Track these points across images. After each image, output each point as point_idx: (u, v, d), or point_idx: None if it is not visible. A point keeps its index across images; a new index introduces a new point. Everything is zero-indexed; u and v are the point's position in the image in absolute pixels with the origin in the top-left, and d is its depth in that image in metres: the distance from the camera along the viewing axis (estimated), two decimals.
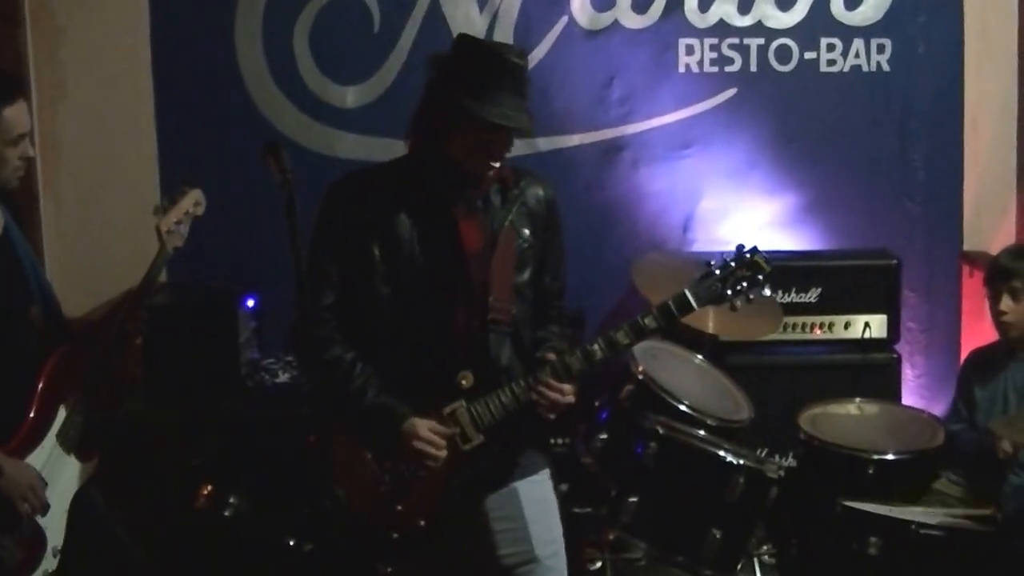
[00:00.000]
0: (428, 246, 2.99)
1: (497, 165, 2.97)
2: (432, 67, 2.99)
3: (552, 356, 3.02)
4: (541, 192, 3.13)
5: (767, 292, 3.15)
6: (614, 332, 3.04)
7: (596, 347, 3.02)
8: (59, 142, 5.00)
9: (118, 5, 5.00)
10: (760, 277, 3.12)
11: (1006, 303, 4.06)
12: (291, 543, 4.24)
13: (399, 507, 3.01)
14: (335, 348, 3.01)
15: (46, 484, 3.15)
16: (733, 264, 3.12)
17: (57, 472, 3.19)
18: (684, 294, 3.07)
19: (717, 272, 3.12)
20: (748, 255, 3.13)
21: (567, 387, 3.00)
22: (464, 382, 2.99)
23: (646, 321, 3.04)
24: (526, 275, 3.08)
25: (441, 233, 2.99)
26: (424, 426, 2.96)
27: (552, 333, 3.17)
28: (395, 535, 3.01)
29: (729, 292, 3.11)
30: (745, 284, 3.11)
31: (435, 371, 2.99)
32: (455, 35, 3.68)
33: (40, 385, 3.17)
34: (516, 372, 3.03)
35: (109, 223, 5.01)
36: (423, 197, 3.01)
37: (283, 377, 4.67)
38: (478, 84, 2.88)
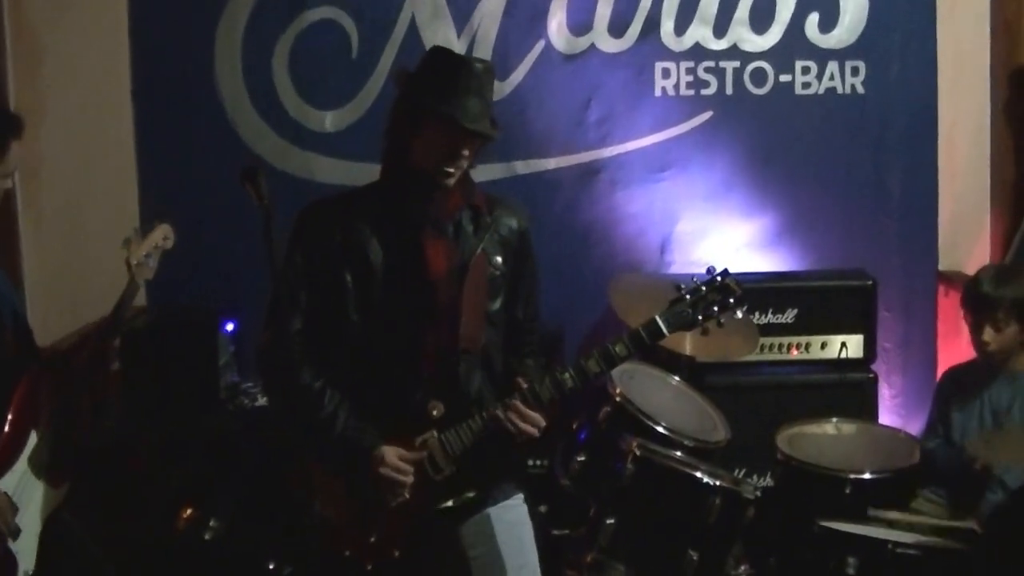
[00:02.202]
0: (395, 270, 2.97)
1: (455, 170, 2.94)
2: (399, 79, 3.01)
3: (524, 384, 2.99)
4: (515, 223, 3.11)
5: (739, 315, 3.11)
6: (585, 360, 3.01)
7: (567, 376, 2.99)
8: (39, 162, 4.96)
9: (99, 25, 5.00)
10: (731, 300, 3.08)
11: (989, 334, 3.98)
12: (271, 566, 4.23)
13: (372, 538, 2.98)
14: (304, 375, 2.97)
15: (17, 509, 3.15)
16: (704, 288, 3.08)
17: (28, 496, 3.19)
18: (655, 321, 3.04)
19: (687, 297, 3.07)
20: (719, 278, 3.08)
21: (535, 415, 2.97)
22: (435, 412, 2.97)
23: (617, 348, 3.01)
24: (498, 303, 3.07)
25: (407, 257, 2.97)
26: (392, 453, 2.94)
27: (527, 367, 3.13)
28: (369, 567, 2.97)
29: (700, 317, 3.06)
30: (716, 308, 3.06)
31: (406, 399, 2.97)
32: None
33: (12, 409, 3.17)
34: (486, 401, 3.01)
35: (89, 244, 4.99)
36: (392, 221, 2.99)
37: (263, 400, 4.64)
38: (443, 87, 2.89)
